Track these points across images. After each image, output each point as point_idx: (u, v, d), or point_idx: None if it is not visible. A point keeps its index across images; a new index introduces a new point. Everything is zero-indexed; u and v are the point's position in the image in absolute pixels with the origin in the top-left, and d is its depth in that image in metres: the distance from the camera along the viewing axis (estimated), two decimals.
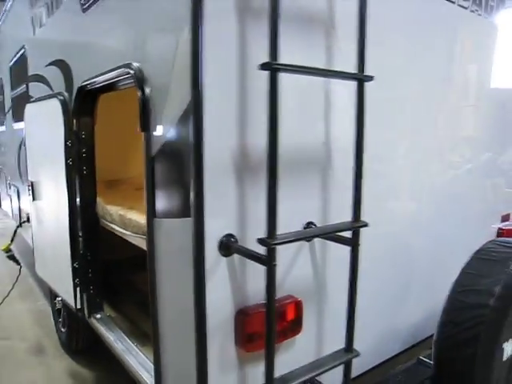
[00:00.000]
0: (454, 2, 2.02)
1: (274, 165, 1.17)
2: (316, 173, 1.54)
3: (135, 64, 1.56)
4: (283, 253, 1.46)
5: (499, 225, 2.69)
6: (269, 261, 1.21)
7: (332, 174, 1.58)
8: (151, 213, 1.53)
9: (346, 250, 1.42)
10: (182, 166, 1.36)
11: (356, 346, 1.76)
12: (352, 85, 1.36)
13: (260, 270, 1.22)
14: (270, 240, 1.19)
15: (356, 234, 1.43)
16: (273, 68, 1.15)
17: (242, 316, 1.38)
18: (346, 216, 1.40)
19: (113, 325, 2.21)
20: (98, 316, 2.31)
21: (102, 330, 2.19)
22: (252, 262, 1.29)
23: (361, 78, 1.37)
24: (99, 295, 2.34)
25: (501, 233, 2.67)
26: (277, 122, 1.16)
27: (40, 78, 2.71)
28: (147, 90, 1.50)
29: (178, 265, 1.44)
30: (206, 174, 1.26)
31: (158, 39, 1.48)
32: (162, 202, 1.51)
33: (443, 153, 2.21)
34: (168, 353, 1.56)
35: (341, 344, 1.45)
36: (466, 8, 2.09)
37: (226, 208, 1.33)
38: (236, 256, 1.34)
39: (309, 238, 1.51)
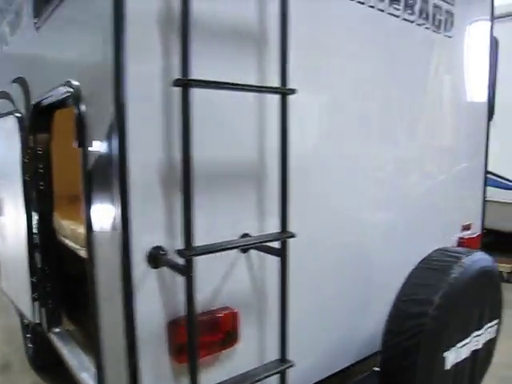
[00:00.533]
0: (398, 16, 2.06)
1: (188, 178, 1.20)
2: (252, 185, 1.55)
3: (72, 81, 1.59)
4: (218, 264, 1.49)
5: (460, 234, 2.70)
6: (186, 271, 1.22)
7: (268, 186, 1.59)
8: (88, 226, 1.56)
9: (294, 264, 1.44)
10: (110, 180, 1.38)
11: (306, 357, 1.79)
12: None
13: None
14: (187, 251, 1.21)
15: (284, 245, 1.44)
16: (184, 84, 1.18)
17: (173, 327, 1.39)
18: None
19: (69, 339, 2.21)
20: (57, 330, 2.31)
21: (59, 344, 2.19)
22: None
23: (284, 92, 1.40)
24: (58, 309, 2.34)
25: (461, 242, 2.68)
26: (189, 137, 1.19)
27: (5, 95, 2.75)
28: (82, 106, 1.53)
29: (110, 277, 1.45)
30: (132, 187, 1.28)
31: (89, 56, 1.52)
32: (96, 216, 1.53)
33: (400, 161, 2.23)
34: (107, 365, 1.57)
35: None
36: (411, 22, 2.13)
37: (154, 220, 1.35)
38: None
39: (243, 249, 1.53)
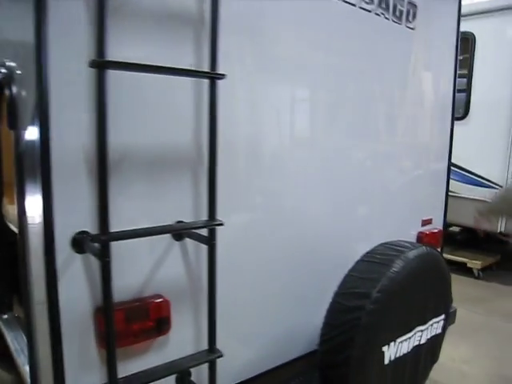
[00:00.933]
0: (354, 5, 2.02)
1: (104, 163, 1.17)
2: (188, 172, 1.52)
3: (7, 62, 1.55)
4: (152, 251, 1.46)
5: (420, 229, 2.69)
6: (102, 256, 1.20)
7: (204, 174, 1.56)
8: (19, 210, 1.52)
9: (220, 250, 1.43)
10: (36, 164, 1.34)
11: (246, 348, 1.78)
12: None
13: (123, 267, 1.26)
14: (102, 236, 1.19)
15: (212, 233, 1.42)
16: (99, 65, 1.14)
17: (100, 314, 1.36)
18: (222, 215, 1.41)
19: (15, 325, 2.18)
20: (5, 317, 2.28)
21: (5, 330, 2.16)
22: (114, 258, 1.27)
23: (213, 77, 1.36)
24: (7, 295, 2.31)
25: (420, 237, 2.68)
26: (105, 121, 1.15)
27: None
28: (14, 88, 1.49)
29: (38, 262, 1.42)
30: (55, 171, 1.24)
31: (20, 35, 1.47)
32: (26, 200, 1.50)
33: (352, 152, 2.20)
34: (36, 349, 1.54)
35: (218, 344, 1.45)
36: (369, 11, 2.09)
37: (79, 205, 1.31)
38: None
39: (177, 237, 1.50)
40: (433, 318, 1.93)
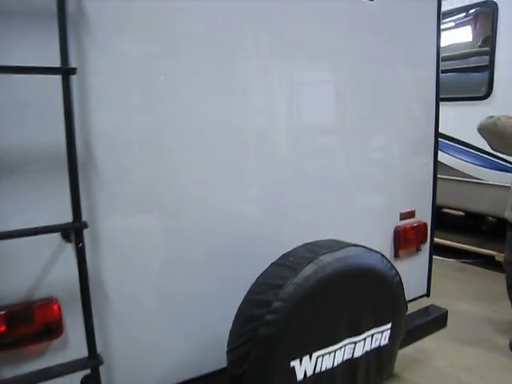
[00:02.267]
0: None
1: None
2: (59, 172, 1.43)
3: None
4: (35, 253, 1.40)
5: (398, 223, 2.42)
6: None
7: (97, 174, 1.49)
8: None
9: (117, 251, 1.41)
10: None
11: (152, 358, 1.68)
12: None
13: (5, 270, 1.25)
14: None
15: (78, 236, 1.34)
16: None
17: None
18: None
19: None
20: None
21: None
22: None
23: (65, 71, 1.26)
24: None
25: (398, 233, 2.41)
26: None
27: None
28: None
29: None
30: None
31: None
32: None
33: (316, 138, 2.01)
34: None
35: (119, 351, 1.46)
36: None
37: None
38: None
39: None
40: (372, 328, 1.70)
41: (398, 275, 1.76)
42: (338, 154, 2.16)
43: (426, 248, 2.58)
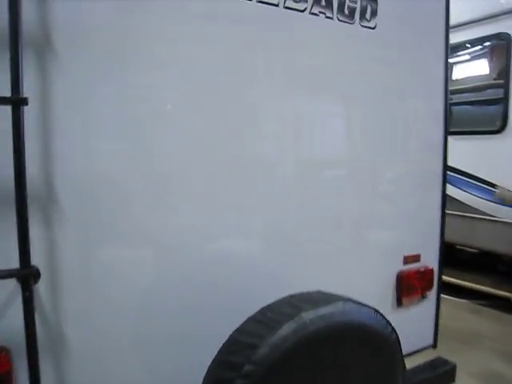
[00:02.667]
0: (278, 5, 1.70)
1: None
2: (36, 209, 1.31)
3: None
4: None
5: (401, 267, 2.22)
6: None
7: (58, 212, 1.36)
8: None
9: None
10: None
11: None
12: None
13: None
14: None
15: (26, 284, 1.19)
16: None
17: None
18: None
19: None
20: None
21: None
22: None
23: (15, 101, 1.14)
24: None
25: (400, 278, 2.21)
26: None
27: None
28: None
29: None
30: None
31: None
32: None
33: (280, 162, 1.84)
34: None
35: None
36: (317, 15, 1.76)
37: None
38: None
39: None
40: None
41: (395, 333, 1.56)
42: (338, 189, 2.00)
43: (432, 295, 2.36)
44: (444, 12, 2.24)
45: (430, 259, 2.34)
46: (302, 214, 1.86)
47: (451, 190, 2.39)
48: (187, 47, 1.54)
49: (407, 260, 2.23)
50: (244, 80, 1.69)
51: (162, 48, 1.51)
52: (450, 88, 2.25)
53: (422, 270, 2.28)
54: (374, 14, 1.96)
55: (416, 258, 2.27)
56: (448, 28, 2.24)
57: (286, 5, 1.72)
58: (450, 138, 2.32)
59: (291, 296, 1.50)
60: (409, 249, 2.25)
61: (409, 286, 2.23)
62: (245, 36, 1.68)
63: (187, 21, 1.53)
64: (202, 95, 1.59)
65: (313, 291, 1.55)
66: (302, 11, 1.76)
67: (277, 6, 1.70)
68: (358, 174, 2.04)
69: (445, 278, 2.48)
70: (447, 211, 2.39)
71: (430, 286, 2.33)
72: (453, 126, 2.31)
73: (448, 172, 2.44)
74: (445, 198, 2.39)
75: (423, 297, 2.32)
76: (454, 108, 2.18)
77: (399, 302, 2.22)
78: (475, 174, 3.94)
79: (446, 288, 2.40)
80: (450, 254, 3.29)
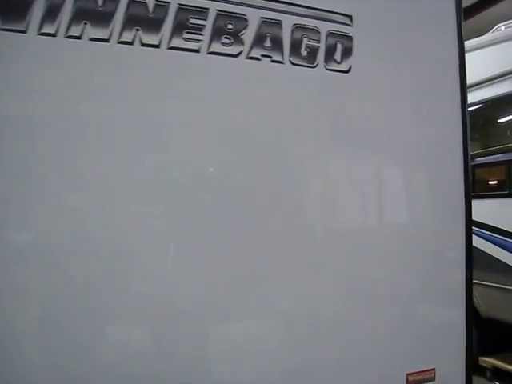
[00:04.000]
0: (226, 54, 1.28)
1: None
2: None
3: None
4: None
5: None
6: None
7: None
8: None
9: None
10: None
11: None
12: None
13: None
14: None
15: None
16: None
17: None
18: None
19: None
20: None
21: None
22: None
23: None
24: None
25: None
26: None
27: None
28: None
29: None
30: None
31: None
32: None
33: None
34: None
35: None
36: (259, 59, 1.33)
37: None
38: None
39: None
40: None
41: None
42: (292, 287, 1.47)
43: None
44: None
45: (452, 374, 1.68)
46: None
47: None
48: None
49: (415, 380, 1.60)
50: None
51: None
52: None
53: None
54: (346, 53, 1.47)
55: (429, 375, 1.63)
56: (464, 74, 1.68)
57: (211, 49, 1.29)
58: None
59: None
60: (417, 362, 1.62)
61: None
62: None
63: None
64: None
65: None
66: (235, 56, 1.32)
67: (198, 51, 1.28)
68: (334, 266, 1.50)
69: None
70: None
71: None
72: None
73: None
74: (471, 289, 1.74)
75: None
76: None
77: None
78: None
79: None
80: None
